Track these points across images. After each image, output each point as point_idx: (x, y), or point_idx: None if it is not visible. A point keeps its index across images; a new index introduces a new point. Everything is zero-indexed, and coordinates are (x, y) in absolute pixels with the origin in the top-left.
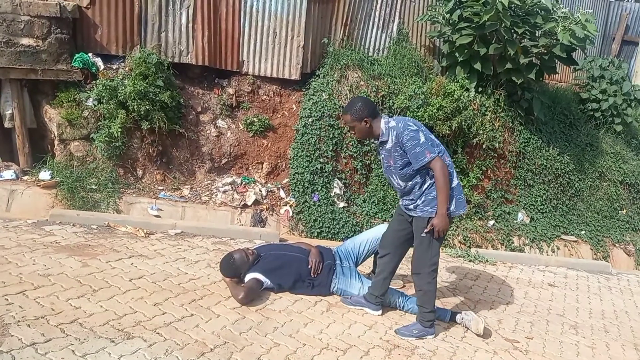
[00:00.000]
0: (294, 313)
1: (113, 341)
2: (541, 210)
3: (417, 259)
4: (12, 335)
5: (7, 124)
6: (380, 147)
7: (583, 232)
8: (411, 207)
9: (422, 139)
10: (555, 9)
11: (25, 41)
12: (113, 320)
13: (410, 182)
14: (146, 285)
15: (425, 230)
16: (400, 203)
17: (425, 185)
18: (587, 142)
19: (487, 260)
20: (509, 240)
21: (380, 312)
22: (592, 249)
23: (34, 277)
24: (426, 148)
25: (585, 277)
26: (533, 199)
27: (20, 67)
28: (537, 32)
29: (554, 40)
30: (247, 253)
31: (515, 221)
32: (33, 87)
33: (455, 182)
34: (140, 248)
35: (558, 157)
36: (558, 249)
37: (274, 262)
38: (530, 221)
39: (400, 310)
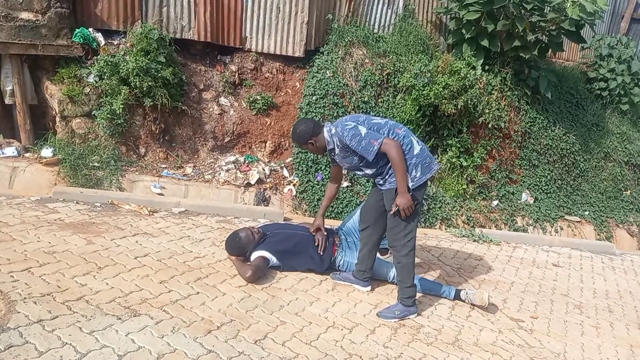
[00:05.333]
0: (300, 291)
1: (120, 318)
2: (545, 191)
3: (390, 232)
4: (19, 312)
5: (7, 100)
6: (333, 155)
7: (587, 213)
8: (381, 182)
9: (363, 131)
10: None
11: (24, 15)
12: (119, 297)
13: (377, 167)
14: (151, 263)
15: (391, 212)
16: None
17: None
18: (593, 122)
19: (491, 240)
20: (512, 220)
21: (369, 288)
22: (595, 230)
23: (39, 254)
24: (371, 137)
25: (589, 257)
26: (537, 179)
27: (20, 42)
28: (545, 7)
29: (563, 16)
30: (253, 232)
31: (519, 201)
32: (33, 63)
33: (417, 148)
34: (145, 226)
35: (564, 137)
36: (561, 229)
37: (281, 240)
38: (534, 201)
39: (390, 282)
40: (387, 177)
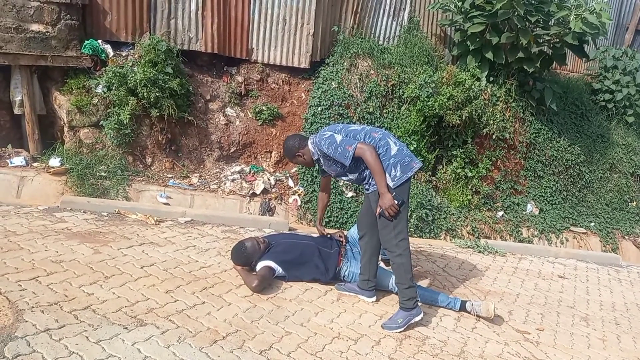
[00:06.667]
0: (305, 302)
1: (126, 328)
2: (550, 202)
3: (381, 234)
4: (26, 321)
5: (16, 111)
6: (320, 165)
7: (592, 224)
8: (367, 187)
9: (339, 138)
10: None
11: (34, 27)
12: (126, 307)
13: (358, 172)
14: (157, 273)
15: (376, 213)
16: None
17: None
18: (599, 134)
19: (496, 251)
20: (517, 232)
21: (374, 298)
22: (601, 241)
23: (47, 263)
24: (346, 144)
25: (595, 269)
26: (542, 190)
27: (30, 53)
28: (550, 20)
29: (567, 29)
30: (259, 241)
31: (524, 212)
32: (42, 74)
33: (395, 149)
34: (151, 235)
35: (569, 148)
36: (567, 240)
37: (286, 249)
38: (540, 212)
39: (395, 293)
40: (370, 180)
